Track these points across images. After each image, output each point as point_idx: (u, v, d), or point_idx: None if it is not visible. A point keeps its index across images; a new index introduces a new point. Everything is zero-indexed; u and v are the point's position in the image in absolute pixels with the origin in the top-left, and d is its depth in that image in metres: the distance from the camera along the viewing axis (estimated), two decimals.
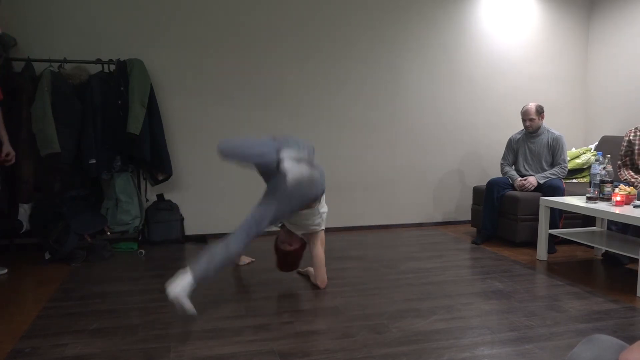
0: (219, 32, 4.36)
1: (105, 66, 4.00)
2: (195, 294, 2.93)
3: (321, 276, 3.02)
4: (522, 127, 4.34)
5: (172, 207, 4.23)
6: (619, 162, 3.96)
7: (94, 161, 3.79)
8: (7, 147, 3.29)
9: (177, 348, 2.22)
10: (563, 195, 3.95)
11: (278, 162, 2.66)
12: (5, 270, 3.33)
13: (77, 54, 4.01)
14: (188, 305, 2.48)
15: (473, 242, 4.26)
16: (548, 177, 4.10)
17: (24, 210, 3.69)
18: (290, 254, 3.04)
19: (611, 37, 5.06)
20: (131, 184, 4.02)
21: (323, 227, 3.04)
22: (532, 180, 4.10)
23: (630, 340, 2.27)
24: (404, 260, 3.69)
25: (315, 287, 3.06)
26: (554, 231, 3.73)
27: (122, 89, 3.85)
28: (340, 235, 4.57)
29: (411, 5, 4.79)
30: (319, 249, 3.02)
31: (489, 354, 2.17)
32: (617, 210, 3.14)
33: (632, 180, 3.82)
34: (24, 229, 3.69)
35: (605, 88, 5.15)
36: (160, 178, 4.19)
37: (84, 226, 3.71)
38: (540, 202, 3.71)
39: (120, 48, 4.12)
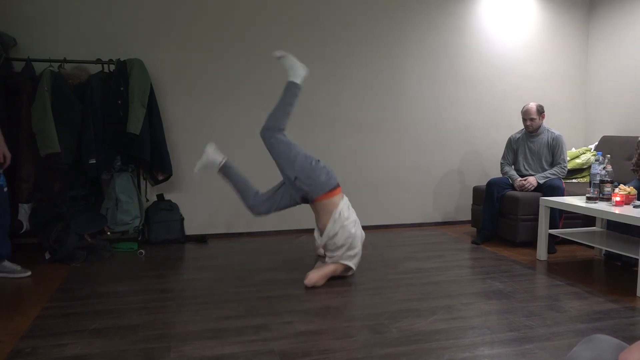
0: (219, 31, 4.36)
1: (105, 66, 4.00)
2: (195, 293, 2.94)
3: (314, 277, 3.09)
4: (522, 127, 4.34)
5: (172, 207, 4.23)
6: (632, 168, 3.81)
7: (94, 161, 3.79)
8: (3, 149, 3.23)
9: (177, 348, 2.22)
10: (563, 195, 3.95)
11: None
12: (29, 273, 3.31)
13: (77, 54, 4.02)
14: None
15: (473, 242, 4.26)
16: (548, 177, 4.10)
17: (24, 211, 3.70)
18: None
19: (611, 37, 5.06)
20: (131, 184, 4.02)
21: (344, 262, 3.18)
22: (532, 180, 4.10)
23: (630, 340, 2.27)
24: (404, 260, 3.69)
25: (315, 286, 3.07)
26: (554, 231, 3.73)
27: (122, 89, 3.85)
28: None
29: (412, 5, 4.78)
30: (332, 269, 3.16)
31: (489, 354, 2.17)
32: (617, 210, 3.14)
33: None
34: (24, 229, 3.69)
35: (605, 88, 5.15)
36: (160, 178, 4.19)
37: (84, 226, 3.71)
38: (540, 202, 3.71)
39: (120, 48, 4.12)
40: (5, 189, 3.25)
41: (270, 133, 3.23)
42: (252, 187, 3.31)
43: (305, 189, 3.12)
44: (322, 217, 3.15)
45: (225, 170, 3.30)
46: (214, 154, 3.32)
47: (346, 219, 3.11)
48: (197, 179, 4.41)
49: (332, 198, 3.13)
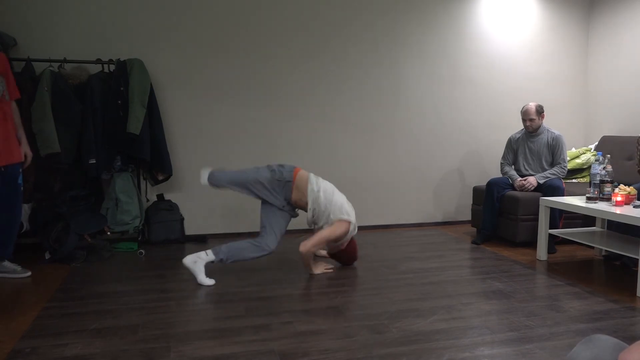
0: (219, 31, 4.36)
1: (105, 66, 4.00)
2: (195, 293, 2.94)
3: (308, 243, 3.19)
4: (522, 127, 4.34)
5: (172, 207, 4.23)
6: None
7: (94, 161, 3.79)
8: (25, 148, 3.29)
9: (177, 348, 2.22)
10: (563, 195, 3.95)
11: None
12: (29, 273, 3.31)
13: (77, 54, 4.02)
14: (201, 276, 3.11)
15: (473, 242, 4.26)
16: (548, 177, 4.11)
17: (24, 211, 3.69)
18: (346, 250, 3.47)
19: (611, 37, 5.06)
20: (131, 184, 4.02)
21: (339, 218, 3.27)
22: (532, 180, 4.10)
23: (630, 340, 2.27)
24: (404, 260, 3.69)
25: (315, 286, 3.07)
26: (554, 231, 3.73)
27: (122, 89, 3.85)
28: None
29: (411, 6, 4.79)
30: (328, 231, 3.24)
31: (489, 354, 2.17)
32: (617, 210, 3.14)
33: None
34: (24, 229, 3.68)
35: (605, 88, 5.15)
36: (160, 178, 4.19)
37: (84, 226, 3.71)
38: (540, 202, 3.71)
39: (120, 48, 4.12)
40: (22, 189, 3.27)
41: (218, 173, 3.35)
42: (246, 241, 3.21)
43: (280, 177, 3.28)
44: (303, 190, 3.28)
45: (218, 253, 3.14)
46: (197, 259, 3.14)
47: (318, 177, 3.37)
48: (197, 179, 4.41)
49: (301, 171, 3.35)
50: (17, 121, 3.27)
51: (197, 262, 3.13)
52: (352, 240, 3.48)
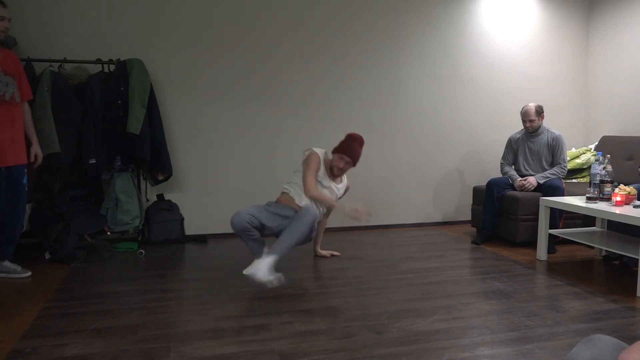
0: (219, 31, 4.36)
1: (105, 66, 4.00)
2: (195, 293, 2.94)
3: (306, 187, 3.36)
4: (522, 127, 4.34)
5: (172, 207, 4.23)
6: None
7: (94, 161, 3.79)
8: (36, 148, 3.31)
9: (177, 348, 2.22)
10: (563, 195, 3.95)
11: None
12: (29, 273, 3.31)
13: (77, 54, 4.01)
14: (272, 277, 2.83)
15: (473, 242, 4.26)
16: (548, 177, 4.11)
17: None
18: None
19: (611, 37, 5.06)
20: (131, 184, 4.02)
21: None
22: (532, 180, 4.10)
23: (630, 340, 2.27)
24: (404, 260, 3.69)
25: (315, 286, 3.07)
26: (554, 231, 3.73)
27: (122, 89, 3.85)
28: (340, 235, 4.57)
29: (411, 6, 4.79)
30: (304, 171, 3.42)
31: (489, 354, 2.17)
32: (617, 210, 3.14)
33: None
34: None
35: (605, 88, 5.15)
36: (160, 178, 4.19)
37: (84, 226, 3.71)
38: (540, 202, 3.71)
39: (120, 48, 4.12)
40: (26, 189, 3.28)
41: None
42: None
43: (269, 203, 3.40)
44: (287, 198, 3.42)
45: (272, 250, 2.97)
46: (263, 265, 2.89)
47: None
48: (197, 179, 4.41)
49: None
50: (29, 122, 3.31)
51: (260, 265, 2.88)
52: (337, 150, 3.53)
